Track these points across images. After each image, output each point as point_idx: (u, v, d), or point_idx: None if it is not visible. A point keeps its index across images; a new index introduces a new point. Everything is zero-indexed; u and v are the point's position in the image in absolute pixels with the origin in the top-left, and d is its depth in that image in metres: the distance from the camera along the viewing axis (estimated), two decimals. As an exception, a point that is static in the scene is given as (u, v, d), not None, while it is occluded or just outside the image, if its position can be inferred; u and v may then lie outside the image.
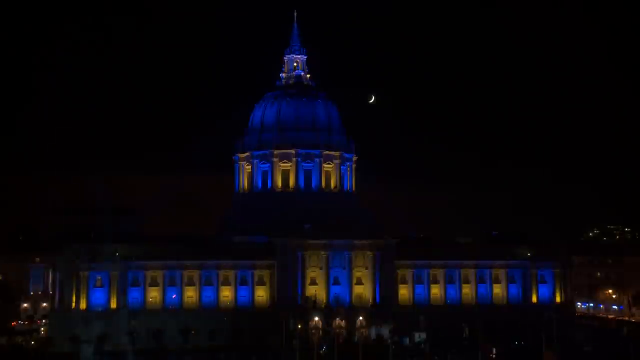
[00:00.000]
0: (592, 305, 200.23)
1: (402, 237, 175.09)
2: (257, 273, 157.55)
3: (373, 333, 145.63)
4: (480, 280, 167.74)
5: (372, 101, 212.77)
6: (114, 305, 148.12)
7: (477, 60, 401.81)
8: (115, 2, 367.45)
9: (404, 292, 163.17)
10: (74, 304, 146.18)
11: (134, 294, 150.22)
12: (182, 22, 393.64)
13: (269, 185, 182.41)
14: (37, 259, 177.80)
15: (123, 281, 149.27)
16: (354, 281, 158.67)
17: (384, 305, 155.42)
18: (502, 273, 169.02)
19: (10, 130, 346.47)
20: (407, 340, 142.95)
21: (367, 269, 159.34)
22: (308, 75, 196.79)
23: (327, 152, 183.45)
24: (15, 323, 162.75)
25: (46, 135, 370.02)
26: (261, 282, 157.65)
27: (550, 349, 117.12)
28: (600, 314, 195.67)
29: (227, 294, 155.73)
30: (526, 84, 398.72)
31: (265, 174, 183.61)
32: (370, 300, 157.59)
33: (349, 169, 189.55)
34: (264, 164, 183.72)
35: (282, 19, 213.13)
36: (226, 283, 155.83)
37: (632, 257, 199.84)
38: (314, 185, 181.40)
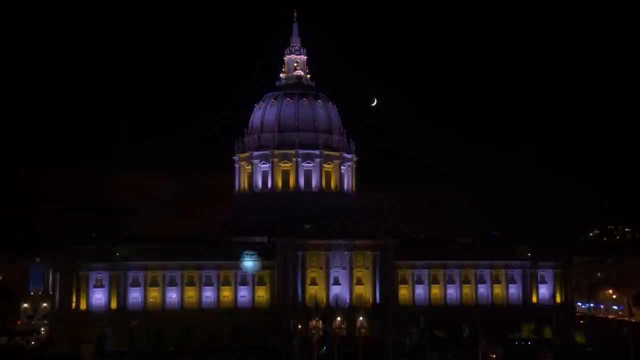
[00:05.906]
0: (592, 305, 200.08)
1: (402, 237, 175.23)
2: (257, 273, 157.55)
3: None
4: (480, 280, 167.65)
5: (374, 104, 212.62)
6: (114, 305, 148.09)
7: (476, 60, 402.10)
8: (115, 1, 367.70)
9: (404, 292, 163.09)
10: (74, 304, 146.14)
11: (134, 294, 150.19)
12: (182, 21, 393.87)
13: (269, 185, 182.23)
14: (37, 259, 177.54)
15: (123, 281, 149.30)
16: (354, 281, 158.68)
17: (384, 305, 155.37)
18: (502, 273, 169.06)
19: (10, 129, 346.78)
20: (407, 340, 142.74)
21: (367, 269, 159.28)
22: (308, 75, 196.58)
23: (327, 152, 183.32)
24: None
25: (46, 134, 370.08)
26: (261, 282, 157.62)
27: (542, 348, 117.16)
28: (600, 314, 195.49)
29: (227, 294, 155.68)
30: (526, 83, 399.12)
31: (265, 174, 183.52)
32: (370, 300, 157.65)
33: (349, 169, 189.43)
34: (263, 164, 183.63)
35: (282, 19, 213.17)
36: (226, 283, 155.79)
37: (632, 257, 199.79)
38: (314, 185, 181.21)
